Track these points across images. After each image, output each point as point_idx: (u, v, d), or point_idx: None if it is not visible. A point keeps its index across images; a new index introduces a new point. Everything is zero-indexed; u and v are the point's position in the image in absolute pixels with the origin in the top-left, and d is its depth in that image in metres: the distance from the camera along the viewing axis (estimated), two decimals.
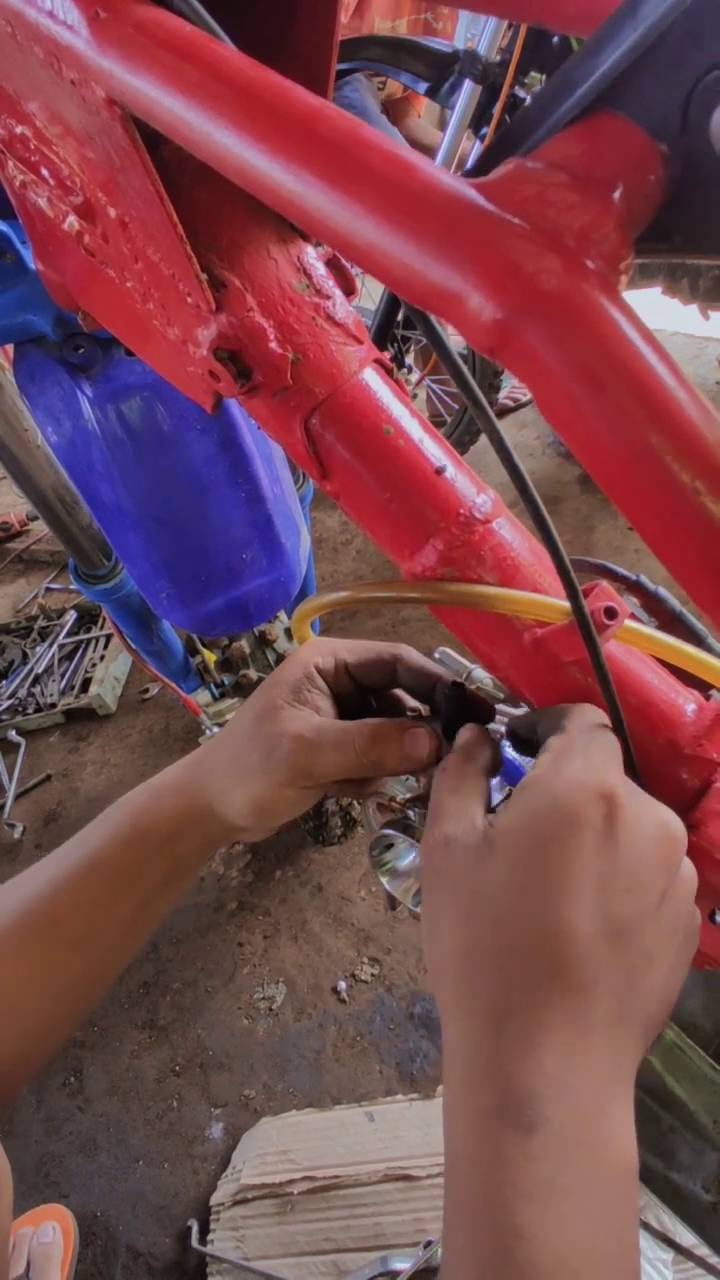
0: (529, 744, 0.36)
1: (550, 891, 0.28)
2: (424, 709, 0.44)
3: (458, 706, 0.40)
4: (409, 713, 0.44)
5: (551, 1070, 0.26)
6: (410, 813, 0.50)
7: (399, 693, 0.45)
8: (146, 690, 1.86)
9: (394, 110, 2.22)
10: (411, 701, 0.45)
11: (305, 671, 0.42)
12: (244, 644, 1.05)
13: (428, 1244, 0.87)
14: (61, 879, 0.44)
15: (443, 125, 1.59)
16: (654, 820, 0.30)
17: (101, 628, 2.00)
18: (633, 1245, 0.27)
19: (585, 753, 0.30)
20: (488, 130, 1.49)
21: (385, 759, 0.39)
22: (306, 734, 0.39)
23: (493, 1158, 0.26)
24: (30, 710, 1.83)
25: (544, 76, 1.41)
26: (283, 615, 1.09)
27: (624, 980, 0.28)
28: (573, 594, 0.32)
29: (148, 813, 0.43)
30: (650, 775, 0.36)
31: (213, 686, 1.33)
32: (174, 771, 0.45)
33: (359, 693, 0.44)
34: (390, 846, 0.54)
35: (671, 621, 0.52)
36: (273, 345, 0.35)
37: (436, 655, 0.67)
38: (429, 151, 1.91)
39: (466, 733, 0.37)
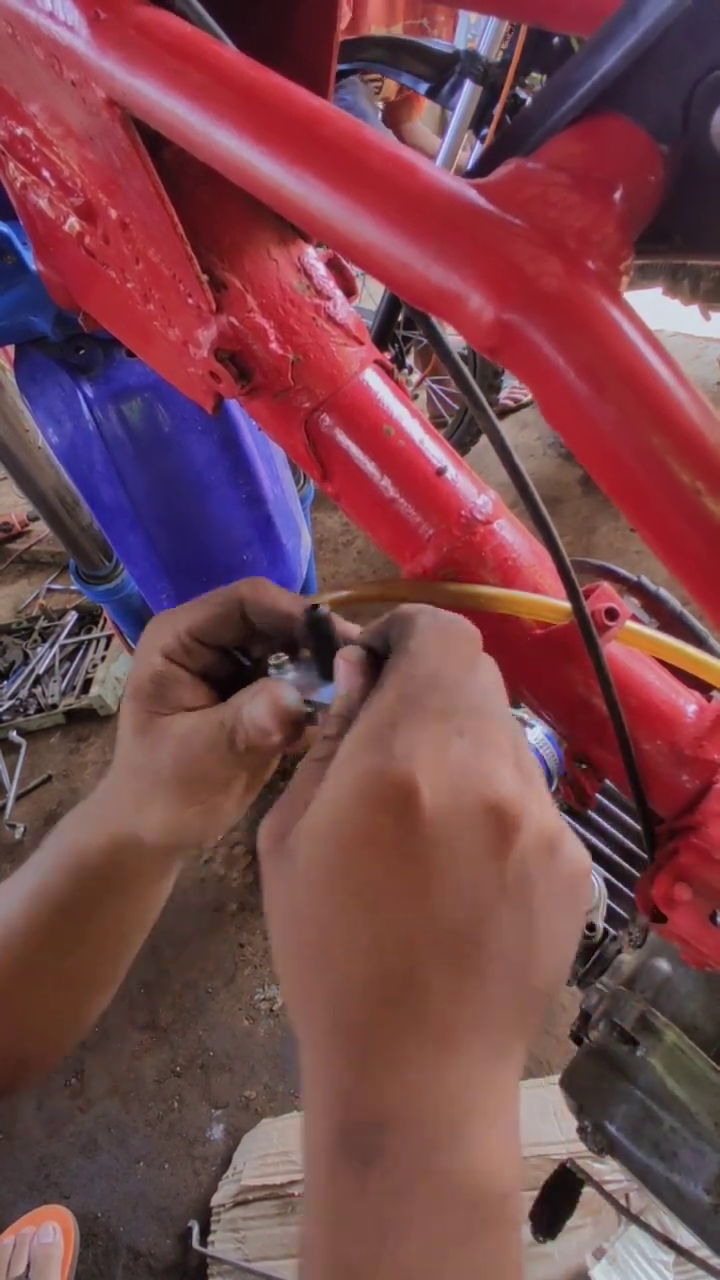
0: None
1: (359, 909, 0.24)
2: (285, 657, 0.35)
3: (326, 641, 0.33)
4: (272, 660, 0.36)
5: (390, 1094, 0.23)
6: None
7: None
8: None
9: (392, 113, 2.22)
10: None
11: (152, 671, 0.36)
12: None
13: None
14: (16, 914, 0.40)
15: (443, 126, 1.59)
16: (471, 800, 0.24)
17: (102, 628, 2.00)
18: (501, 1270, 0.23)
19: (393, 727, 0.25)
20: (488, 131, 1.49)
21: (251, 737, 0.33)
22: (178, 747, 0.35)
23: (329, 1197, 0.23)
24: (31, 711, 1.83)
25: (545, 77, 1.41)
26: None
27: (475, 982, 0.24)
28: (574, 595, 0.32)
29: (84, 853, 0.39)
30: (651, 776, 0.36)
31: None
32: (99, 799, 0.40)
33: (226, 655, 0.37)
34: None
35: (672, 622, 0.52)
36: (273, 346, 0.35)
37: None
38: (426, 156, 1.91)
39: (342, 686, 0.29)
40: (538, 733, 0.59)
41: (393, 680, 0.27)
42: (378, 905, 0.24)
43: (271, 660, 0.35)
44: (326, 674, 0.33)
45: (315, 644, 0.34)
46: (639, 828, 0.40)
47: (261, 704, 0.33)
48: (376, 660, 0.30)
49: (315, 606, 0.33)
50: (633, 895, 0.56)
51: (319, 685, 0.34)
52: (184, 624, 0.36)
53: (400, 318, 1.78)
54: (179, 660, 0.36)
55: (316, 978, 0.25)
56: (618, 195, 0.22)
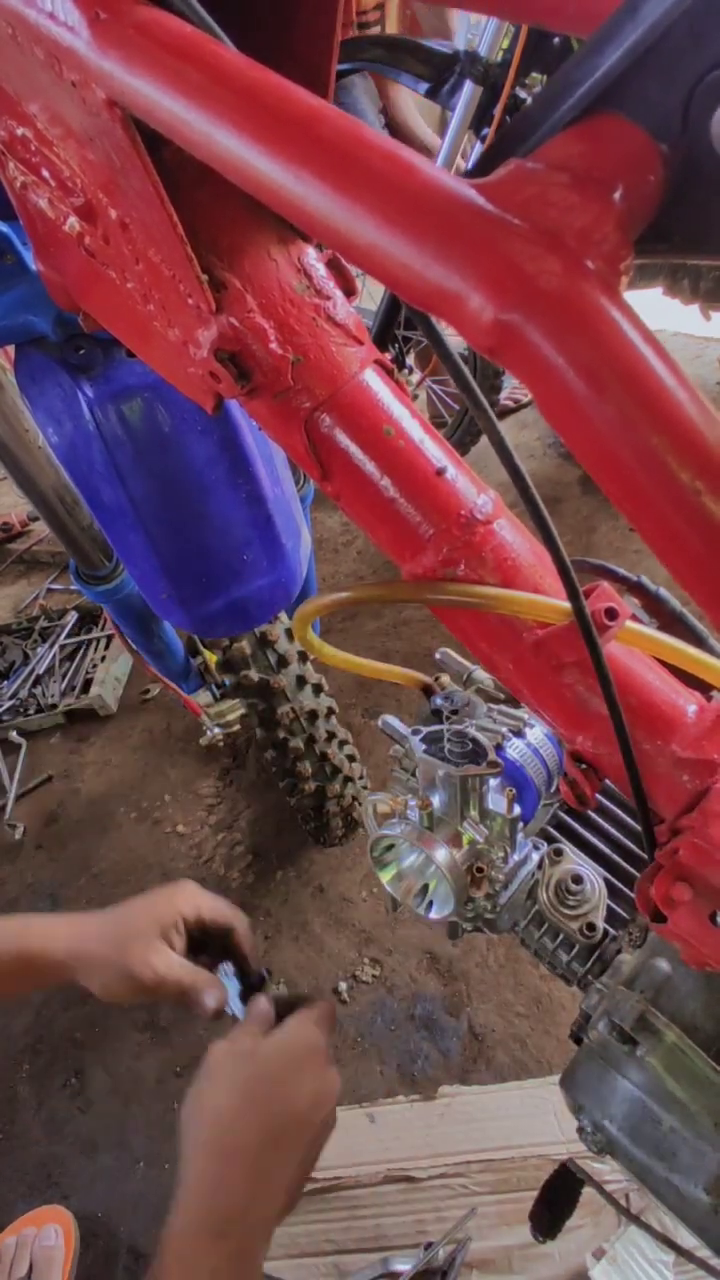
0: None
1: (250, 1130, 0.50)
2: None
3: (245, 983, 0.64)
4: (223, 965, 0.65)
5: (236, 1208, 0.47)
6: (411, 813, 0.50)
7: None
8: (147, 691, 1.86)
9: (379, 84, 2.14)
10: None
11: (174, 920, 0.62)
12: (245, 644, 1.05)
13: (428, 1245, 0.87)
14: None
15: (443, 126, 1.59)
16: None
17: (102, 628, 2.00)
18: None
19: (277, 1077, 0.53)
20: (488, 131, 1.49)
21: (196, 1002, 0.60)
22: (159, 969, 0.59)
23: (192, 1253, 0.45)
24: (31, 711, 1.83)
25: (545, 77, 1.41)
26: (283, 616, 1.09)
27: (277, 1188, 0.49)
28: (573, 595, 0.32)
29: (26, 952, 0.62)
30: (651, 776, 0.36)
31: (213, 687, 1.33)
32: (65, 930, 0.64)
33: (204, 934, 0.65)
34: (392, 847, 0.54)
35: (672, 622, 0.52)
36: (273, 346, 0.35)
37: (437, 656, 0.67)
38: (422, 149, 1.91)
39: (255, 1006, 0.59)
40: (538, 733, 0.59)
41: (278, 1040, 0.54)
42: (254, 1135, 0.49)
43: (222, 966, 0.63)
44: (246, 993, 0.63)
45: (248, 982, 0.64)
46: (639, 827, 0.40)
47: (210, 996, 0.60)
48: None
49: (263, 975, 0.65)
50: (633, 895, 0.56)
51: (237, 997, 0.62)
52: (206, 915, 0.64)
53: (400, 318, 1.78)
54: (189, 924, 0.63)
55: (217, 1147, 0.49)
56: (617, 195, 0.22)
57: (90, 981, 0.61)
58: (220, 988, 0.61)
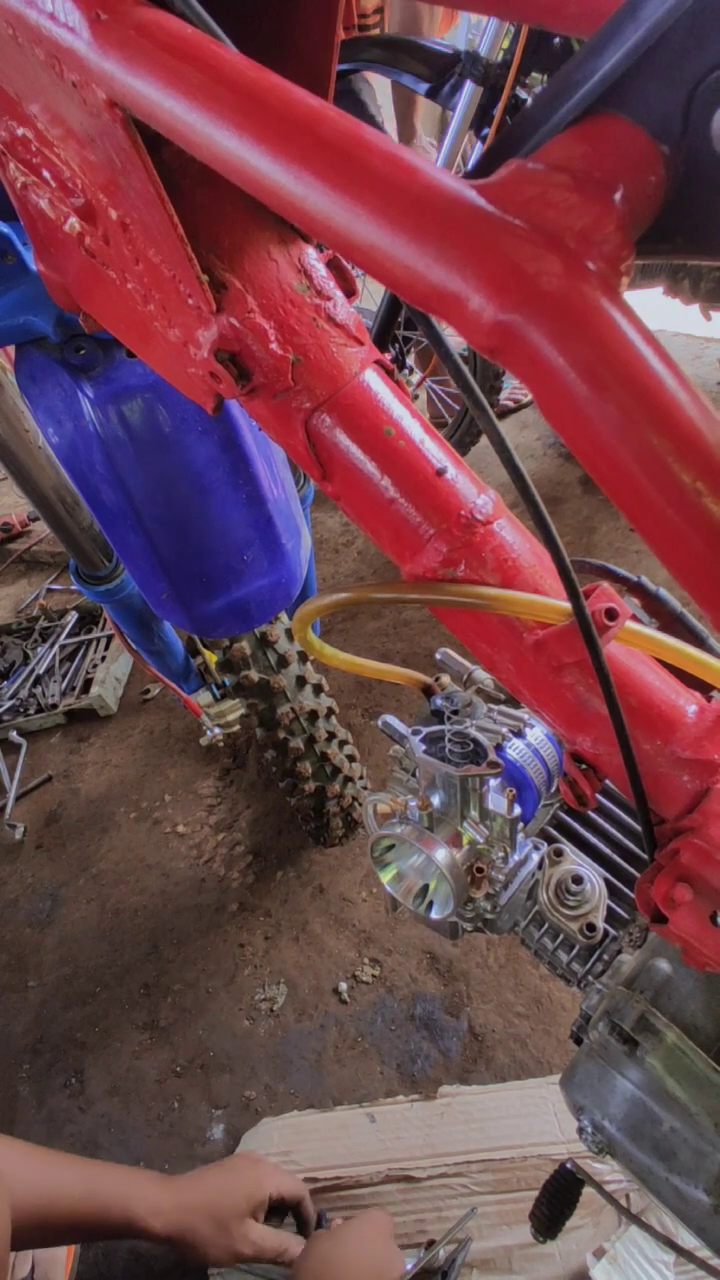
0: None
1: None
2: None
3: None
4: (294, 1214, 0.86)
5: None
6: (411, 814, 0.50)
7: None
8: (147, 691, 1.86)
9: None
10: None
11: (261, 1198, 0.79)
12: (245, 645, 1.05)
13: (429, 1245, 0.87)
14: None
15: (443, 127, 1.59)
16: None
17: (103, 629, 2.00)
18: None
19: None
20: (489, 131, 1.49)
21: (277, 1261, 0.78)
22: (256, 1243, 0.75)
23: None
24: (31, 711, 1.83)
25: (545, 77, 1.41)
26: (284, 616, 1.09)
27: None
28: (574, 595, 0.32)
29: (133, 1220, 0.72)
30: (651, 777, 0.36)
31: (214, 687, 1.33)
32: (169, 1204, 0.75)
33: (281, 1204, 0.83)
34: (392, 847, 0.54)
35: (672, 623, 0.52)
36: (274, 346, 0.35)
37: (437, 657, 0.67)
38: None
39: None
40: (538, 733, 0.59)
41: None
42: None
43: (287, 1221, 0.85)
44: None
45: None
46: (639, 828, 0.40)
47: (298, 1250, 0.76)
48: None
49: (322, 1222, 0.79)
50: (633, 896, 0.56)
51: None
52: (286, 1194, 0.82)
53: (400, 318, 1.78)
54: (272, 1197, 0.81)
55: None
56: (618, 196, 0.22)
57: (192, 1254, 0.74)
58: (301, 1243, 0.79)
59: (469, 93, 1.46)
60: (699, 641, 0.49)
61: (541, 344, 0.20)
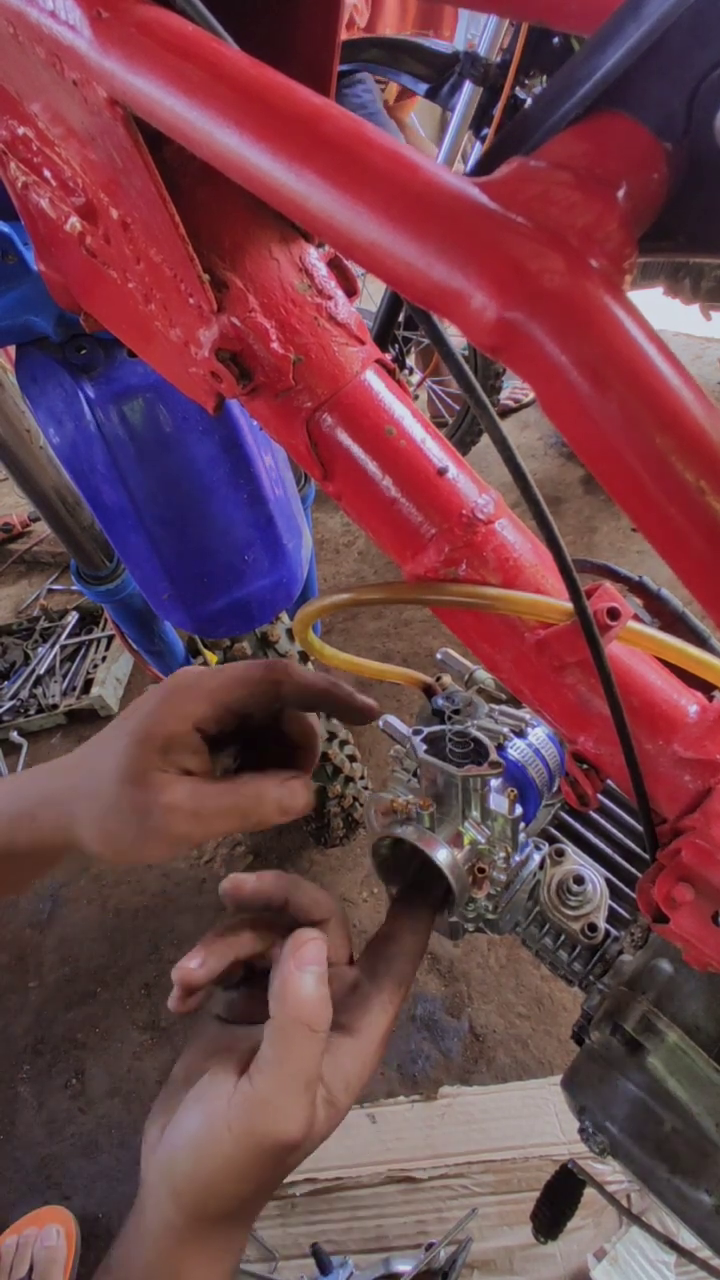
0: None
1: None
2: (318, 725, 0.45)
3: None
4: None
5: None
6: (412, 814, 0.50)
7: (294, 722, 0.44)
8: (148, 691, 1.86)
9: (392, 115, 2.23)
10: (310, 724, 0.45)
11: (170, 732, 0.39)
12: (246, 645, 1.05)
13: (430, 1246, 0.87)
14: None
15: (443, 127, 1.59)
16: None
17: (103, 629, 2.00)
18: None
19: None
20: (488, 131, 1.49)
21: (266, 817, 0.39)
22: (187, 806, 0.37)
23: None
24: (32, 711, 1.83)
25: (545, 77, 1.41)
26: (284, 616, 1.09)
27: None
28: (575, 595, 0.32)
29: (19, 829, 0.42)
30: (652, 776, 0.36)
31: None
32: (42, 792, 0.43)
33: (234, 724, 0.41)
34: (393, 847, 0.54)
35: (674, 622, 0.52)
36: (275, 346, 0.35)
37: (438, 657, 0.67)
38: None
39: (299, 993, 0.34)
40: (539, 733, 0.59)
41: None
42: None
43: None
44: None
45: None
46: (640, 828, 0.40)
47: (299, 793, 0.40)
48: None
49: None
50: (634, 896, 0.55)
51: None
52: (224, 696, 0.40)
53: (401, 318, 1.78)
54: (205, 725, 0.39)
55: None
56: (621, 193, 0.22)
57: (97, 853, 0.40)
58: (298, 777, 0.41)
59: (468, 93, 1.46)
60: (701, 641, 0.49)
61: (544, 342, 0.20)
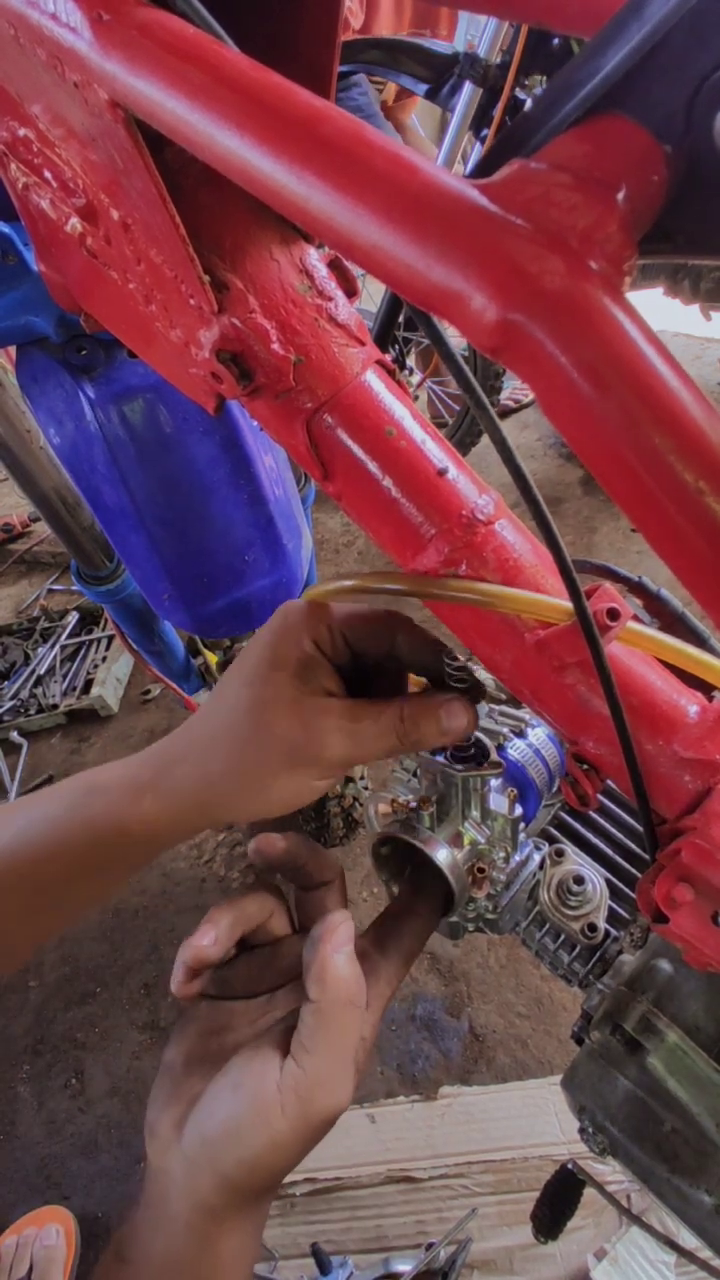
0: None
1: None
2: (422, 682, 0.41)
3: (464, 687, 0.39)
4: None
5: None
6: (414, 814, 0.50)
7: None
8: (148, 691, 1.86)
9: (391, 116, 2.24)
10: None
11: (302, 653, 0.36)
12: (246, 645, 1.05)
13: (429, 1246, 0.87)
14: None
15: (443, 128, 1.59)
16: None
17: (103, 629, 2.00)
18: None
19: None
20: (488, 133, 1.49)
21: (425, 738, 0.37)
22: (344, 726, 0.35)
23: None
24: (32, 711, 1.83)
25: (545, 78, 1.41)
26: None
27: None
28: (575, 595, 0.32)
29: (120, 814, 0.38)
30: (652, 777, 0.36)
31: (214, 687, 1.33)
32: (151, 768, 0.40)
33: (353, 661, 0.39)
34: (393, 847, 0.54)
35: (674, 623, 0.52)
36: (275, 347, 0.35)
37: None
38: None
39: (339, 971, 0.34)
40: (539, 733, 0.59)
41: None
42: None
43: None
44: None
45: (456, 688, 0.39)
46: (640, 828, 0.40)
47: (461, 713, 0.38)
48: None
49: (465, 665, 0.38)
50: (634, 896, 0.56)
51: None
52: (341, 619, 0.38)
53: (401, 319, 1.78)
54: (325, 651, 0.38)
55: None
56: (621, 195, 0.22)
57: (235, 813, 0.38)
58: (459, 699, 0.38)
59: (468, 94, 1.46)
60: (700, 642, 0.49)
61: (544, 343, 0.20)
